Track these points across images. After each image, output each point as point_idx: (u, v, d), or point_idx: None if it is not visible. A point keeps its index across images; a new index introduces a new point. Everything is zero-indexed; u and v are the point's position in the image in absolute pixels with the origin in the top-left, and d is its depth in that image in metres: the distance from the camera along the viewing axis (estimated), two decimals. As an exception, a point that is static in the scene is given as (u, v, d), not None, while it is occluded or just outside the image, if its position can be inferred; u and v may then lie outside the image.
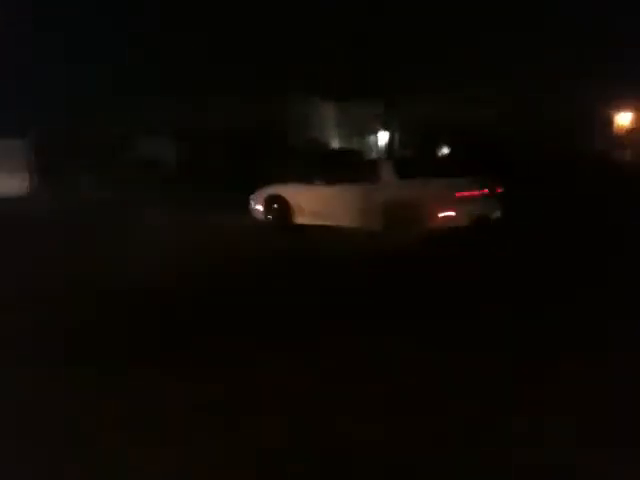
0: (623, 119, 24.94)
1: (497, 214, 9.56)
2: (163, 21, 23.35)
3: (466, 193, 8.96)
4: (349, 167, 12.03)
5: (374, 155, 26.62)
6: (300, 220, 10.68)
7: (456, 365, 4.32)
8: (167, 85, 23.36)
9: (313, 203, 10.42)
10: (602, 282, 6.76)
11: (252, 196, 11.61)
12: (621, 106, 23.99)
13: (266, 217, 11.19)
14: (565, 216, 11.53)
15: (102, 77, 23.28)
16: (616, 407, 3.62)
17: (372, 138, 28.22)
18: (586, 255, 8.21)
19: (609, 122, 24.60)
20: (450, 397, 3.82)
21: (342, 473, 3.02)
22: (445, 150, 23.58)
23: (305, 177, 11.00)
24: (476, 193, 9.10)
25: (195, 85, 23.00)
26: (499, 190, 9.53)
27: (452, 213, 8.84)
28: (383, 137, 27.66)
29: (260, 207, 11.25)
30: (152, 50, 23.25)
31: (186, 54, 23.20)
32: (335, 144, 27.82)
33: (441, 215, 8.87)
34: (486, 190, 9.28)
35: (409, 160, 16.22)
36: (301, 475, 3.01)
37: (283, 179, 11.46)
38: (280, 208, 10.85)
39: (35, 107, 21.85)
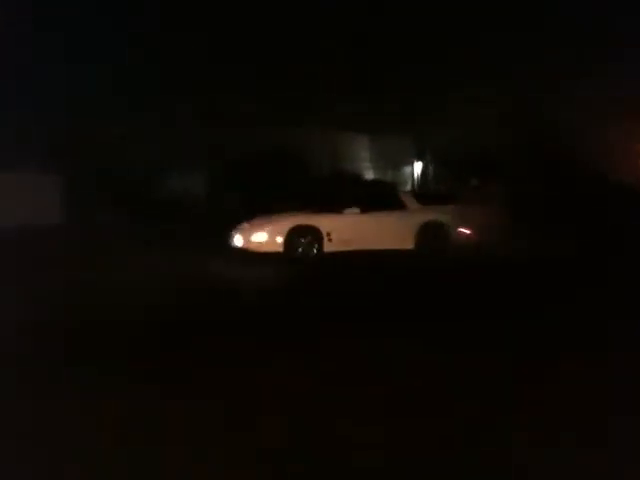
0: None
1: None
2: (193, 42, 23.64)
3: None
4: (380, 196, 12.39)
5: (407, 187, 27.38)
6: (330, 248, 10.75)
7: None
8: (196, 115, 23.76)
9: (346, 231, 10.88)
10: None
11: (252, 226, 10.91)
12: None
13: (290, 249, 10.54)
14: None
15: (125, 78, 23.45)
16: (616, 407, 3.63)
17: (406, 170, 28.89)
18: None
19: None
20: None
21: (342, 473, 3.02)
22: (474, 181, 24.02)
23: (322, 206, 11.30)
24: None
25: (223, 114, 23.34)
26: None
27: (469, 231, 11.41)
28: (416, 169, 28.42)
29: (280, 239, 10.54)
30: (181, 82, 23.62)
31: (215, 88, 23.58)
32: (368, 176, 28.04)
33: (462, 233, 11.39)
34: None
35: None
36: (301, 475, 3.00)
37: (284, 209, 11.55)
38: (313, 238, 10.69)
39: (35, 107, 21.81)
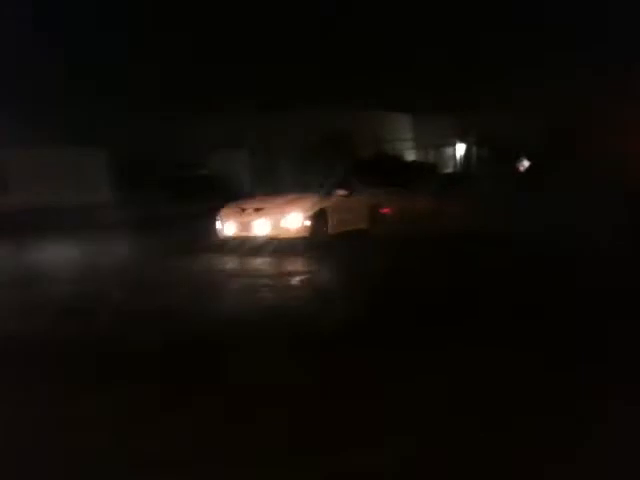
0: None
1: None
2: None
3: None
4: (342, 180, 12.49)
5: (448, 168, 28.03)
6: (332, 230, 10.99)
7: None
8: (247, 99, 24.38)
9: (339, 212, 11.23)
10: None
11: (269, 211, 10.51)
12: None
13: (315, 233, 10.54)
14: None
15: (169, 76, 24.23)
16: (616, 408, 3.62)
17: (446, 150, 29.27)
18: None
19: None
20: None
21: (342, 472, 3.01)
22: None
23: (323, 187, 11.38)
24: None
25: (273, 99, 24.03)
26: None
27: (389, 210, 12.89)
28: (459, 149, 29.11)
29: (308, 222, 10.43)
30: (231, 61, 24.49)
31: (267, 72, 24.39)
32: (410, 156, 28.13)
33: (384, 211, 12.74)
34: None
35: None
36: (301, 475, 3.00)
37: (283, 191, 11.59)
38: (325, 220, 10.83)
39: (35, 107, 21.86)
